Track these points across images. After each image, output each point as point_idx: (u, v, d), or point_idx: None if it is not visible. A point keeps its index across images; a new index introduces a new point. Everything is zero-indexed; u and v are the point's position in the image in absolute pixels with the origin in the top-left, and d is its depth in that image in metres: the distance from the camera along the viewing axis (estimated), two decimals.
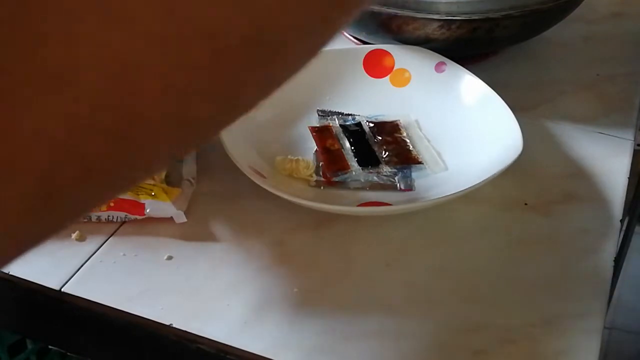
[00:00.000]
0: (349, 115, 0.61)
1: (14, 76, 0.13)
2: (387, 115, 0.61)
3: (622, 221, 0.54)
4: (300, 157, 0.56)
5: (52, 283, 0.48)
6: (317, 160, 0.57)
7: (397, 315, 0.46)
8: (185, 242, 0.51)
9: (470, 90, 0.60)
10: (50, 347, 0.58)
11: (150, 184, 0.52)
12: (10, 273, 0.48)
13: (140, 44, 0.14)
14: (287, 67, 0.19)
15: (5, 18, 0.13)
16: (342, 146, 0.59)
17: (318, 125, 0.60)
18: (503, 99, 0.57)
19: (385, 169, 0.56)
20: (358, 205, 0.54)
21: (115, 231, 0.52)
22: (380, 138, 0.59)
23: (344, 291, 0.48)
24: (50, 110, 0.14)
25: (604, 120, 0.64)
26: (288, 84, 0.20)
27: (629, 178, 0.57)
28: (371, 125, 0.60)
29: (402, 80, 0.63)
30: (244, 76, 0.17)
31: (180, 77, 0.15)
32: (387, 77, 0.64)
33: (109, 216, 0.51)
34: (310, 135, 0.59)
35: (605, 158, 0.59)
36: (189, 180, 0.54)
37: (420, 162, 0.57)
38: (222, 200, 0.54)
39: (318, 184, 0.55)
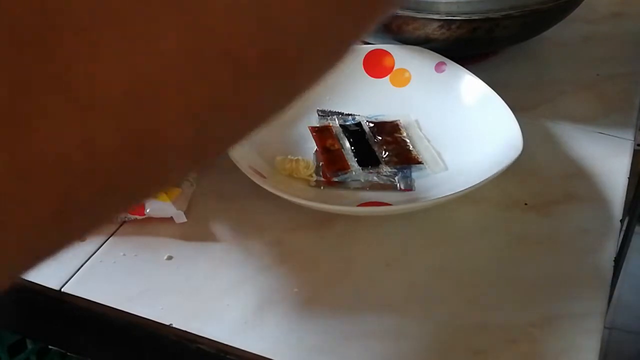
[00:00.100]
0: (349, 115, 0.61)
1: (33, 99, 0.13)
2: (387, 115, 0.61)
3: (622, 221, 0.54)
4: (300, 157, 0.56)
5: (52, 283, 0.48)
6: (317, 160, 0.57)
7: (397, 315, 0.46)
8: (185, 242, 0.51)
9: (470, 90, 0.60)
10: (50, 347, 0.58)
11: None
12: None
13: (161, 62, 0.14)
14: (306, 80, 0.19)
15: (27, 40, 0.13)
16: (342, 146, 0.59)
17: (318, 125, 0.60)
18: (503, 99, 0.57)
19: (385, 169, 0.56)
20: (358, 205, 0.54)
21: (115, 231, 0.52)
22: (380, 138, 0.59)
23: (344, 291, 0.48)
24: (70, 132, 0.14)
25: (604, 120, 0.64)
26: None
27: (629, 178, 0.57)
28: (371, 125, 0.60)
29: (402, 80, 0.63)
30: (264, 91, 0.17)
31: (201, 94, 0.15)
32: (387, 77, 0.64)
33: None
34: (310, 135, 0.59)
35: (605, 158, 0.59)
36: (189, 180, 0.54)
37: (420, 162, 0.57)
38: (222, 200, 0.54)
39: (318, 184, 0.55)
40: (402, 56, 0.64)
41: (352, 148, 0.58)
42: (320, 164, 0.57)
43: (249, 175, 0.51)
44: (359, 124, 0.60)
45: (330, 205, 0.52)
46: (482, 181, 0.49)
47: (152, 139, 0.15)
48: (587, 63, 0.72)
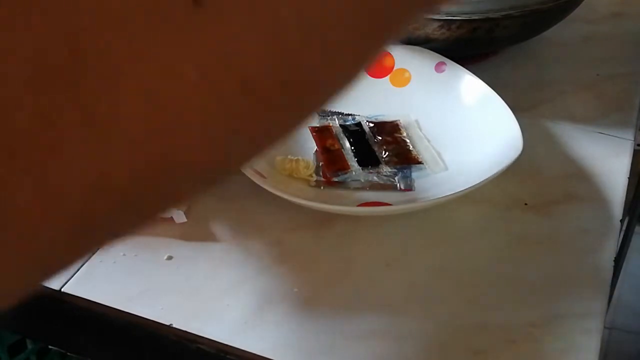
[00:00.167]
0: (349, 115, 0.61)
1: (59, 128, 0.14)
2: (387, 115, 0.61)
3: (622, 221, 0.54)
4: (300, 157, 0.56)
5: (52, 283, 0.48)
6: (317, 160, 0.57)
7: (397, 315, 0.46)
8: (185, 242, 0.51)
9: (470, 90, 0.60)
10: (50, 347, 0.58)
11: None
12: None
13: (182, 92, 0.15)
14: (321, 103, 0.19)
15: (54, 70, 0.13)
16: (342, 146, 0.59)
17: (318, 125, 0.60)
18: (503, 99, 0.57)
19: (385, 169, 0.56)
20: (358, 205, 0.54)
21: None
22: (380, 138, 0.59)
23: (344, 291, 0.48)
24: (92, 158, 0.14)
25: (604, 120, 0.64)
26: None
27: (629, 178, 0.57)
28: (371, 125, 0.60)
29: (402, 80, 0.63)
30: (280, 116, 0.18)
31: (219, 122, 0.16)
32: (387, 77, 0.64)
33: None
34: (310, 135, 0.59)
35: (605, 158, 0.59)
36: None
37: (420, 162, 0.57)
38: (222, 200, 0.54)
39: (318, 184, 0.55)
40: (402, 56, 0.64)
41: (352, 148, 0.58)
42: (320, 164, 0.57)
43: (249, 175, 0.51)
44: (359, 124, 0.60)
45: (330, 205, 0.52)
46: (482, 181, 0.49)
47: (170, 164, 0.16)
48: (587, 63, 0.72)
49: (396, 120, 0.61)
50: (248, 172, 0.51)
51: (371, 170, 0.56)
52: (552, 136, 0.62)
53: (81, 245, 0.16)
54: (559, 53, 0.73)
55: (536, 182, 0.57)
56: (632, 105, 0.67)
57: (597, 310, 0.47)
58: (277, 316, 0.46)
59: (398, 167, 0.57)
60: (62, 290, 0.47)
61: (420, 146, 0.59)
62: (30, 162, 0.13)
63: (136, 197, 0.16)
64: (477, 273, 0.49)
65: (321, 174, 0.56)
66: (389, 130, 0.60)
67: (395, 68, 0.64)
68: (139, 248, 0.50)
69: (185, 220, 0.52)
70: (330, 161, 0.57)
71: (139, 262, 0.49)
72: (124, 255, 0.50)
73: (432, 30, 0.62)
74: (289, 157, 0.56)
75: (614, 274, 0.50)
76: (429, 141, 0.59)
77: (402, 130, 0.60)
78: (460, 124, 0.59)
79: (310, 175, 0.56)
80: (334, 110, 0.62)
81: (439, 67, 0.62)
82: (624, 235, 1.13)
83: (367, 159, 0.57)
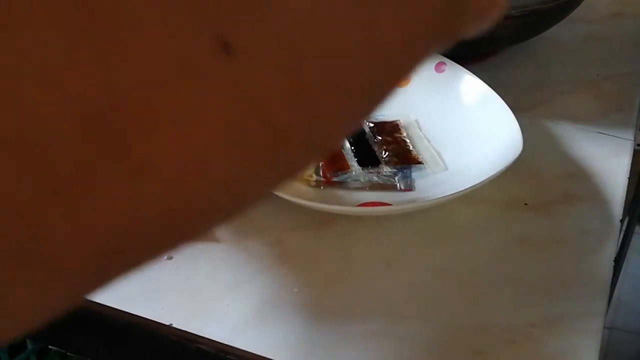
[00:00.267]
0: None
1: (97, 175, 0.14)
2: (387, 115, 0.61)
3: (622, 221, 0.54)
4: None
5: None
6: None
7: (397, 315, 0.46)
8: None
9: (470, 90, 0.60)
10: (50, 347, 0.58)
11: None
12: None
13: (210, 133, 0.15)
14: (334, 142, 0.21)
15: (99, 121, 0.14)
16: (342, 146, 0.59)
17: None
18: (503, 99, 0.57)
19: (385, 169, 0.56)
20: (358, 205, 0.54)
21: None
22: (380, 138, 0.59)
23: (344, 291, 0.48)
24: (122, 198, 0.15)
25: (604, 120, 0.64)
26: None
27: (629, 178, 0.57)
28: (371, 125, 0.60)
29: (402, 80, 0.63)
30: (300, 150, 0.18)
31: (243, 160, 0.17)
32: None
33: None
34: None
35: (605, 158, 0.59)
36: None
37: (420, 162, 0.57)
38: None
39: (318, 184, 0.55)
40: None
41: (352, 148, 0.58)
42: (320, 164, 0.57)
43: None
44: None
45: (330, 205, 0.52)
46: (482, 181, 0.49)
47: (195, 202, 0.16)
48: (587, 63, 0.72)
49: (396, 120, 0.61)
50: None
51: (371, 170, 0.56)
52: (552, 136, 0.62)
53: (106, 277, 0.17)
54: (559, 53, 0.73)
55: (536, 182, 0.57)
56: (632, 105, 0.67)
57: (597, 310, 0.47)
58: (277, 316, 0.46)
59: (398, 167, 0.57)
60: None
61: (420, 146, 0.59)
62: (67, 206, 0.14)
63: (161, 236, 0.17)
64: (477, 273, 0.49)
65: (321, 174, 0.56)
66: (389, 130, 0.60)
67: None
68: None
69: None
70: (330, 161, 0.57)
71: None
72: None
73: None
74: None
75: (614, 274, 0.50)
76: (429, 141, 0.59)
77: (402, 130, 0.60)
78: (460, 124, 0.59)
79: (310, 175, 0.56)
80: None
81: (439, 67, 0.62)
82: (624, 235, 1.13)
83: (367, 159, 0.57)
